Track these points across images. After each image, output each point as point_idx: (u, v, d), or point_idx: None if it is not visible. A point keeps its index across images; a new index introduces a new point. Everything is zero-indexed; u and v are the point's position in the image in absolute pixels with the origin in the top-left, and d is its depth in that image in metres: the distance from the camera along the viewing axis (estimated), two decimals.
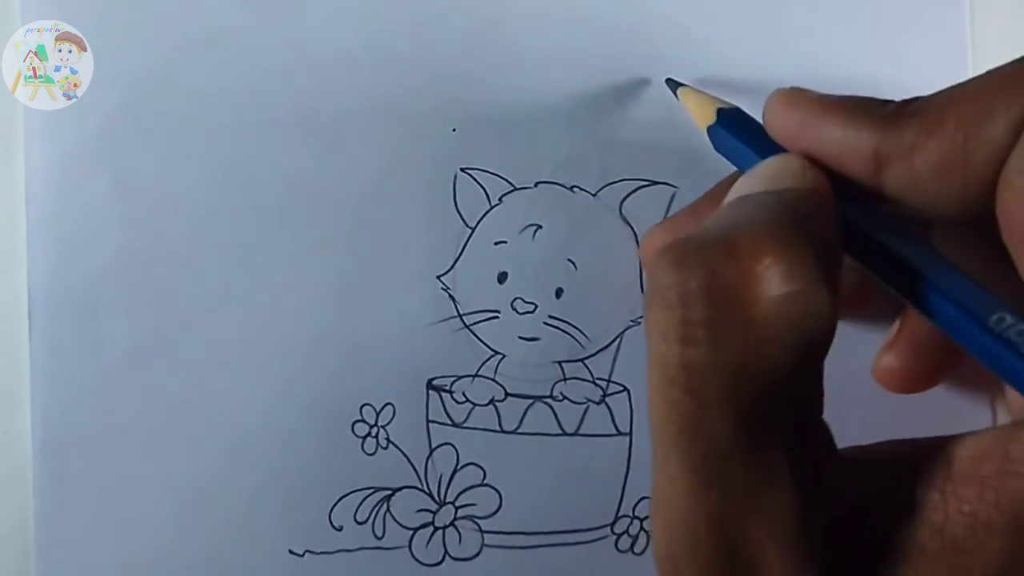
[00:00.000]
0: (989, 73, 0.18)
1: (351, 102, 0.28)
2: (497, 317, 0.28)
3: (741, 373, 0.16)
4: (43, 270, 0.27)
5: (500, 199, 0.28)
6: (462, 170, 0.28)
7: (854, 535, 0.17)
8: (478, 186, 0.28)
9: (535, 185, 0.28)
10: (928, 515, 0.16)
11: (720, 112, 0.24)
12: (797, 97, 0.21)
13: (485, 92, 0.28)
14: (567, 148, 0.28)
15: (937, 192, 0.18)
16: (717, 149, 0.24)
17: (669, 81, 0.27)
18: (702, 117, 0.24)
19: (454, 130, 0.28)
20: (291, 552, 0.27)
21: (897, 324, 0.24)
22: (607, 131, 0.28)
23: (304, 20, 0.27)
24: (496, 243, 0.28)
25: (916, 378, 0.24)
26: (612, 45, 0.28)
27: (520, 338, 0.28)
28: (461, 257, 0.28)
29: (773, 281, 0.16)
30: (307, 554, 0.27)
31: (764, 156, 0.21)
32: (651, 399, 0.17)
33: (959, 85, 0.18)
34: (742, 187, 0.20)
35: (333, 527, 0.27)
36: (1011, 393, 0.20)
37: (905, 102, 0.19)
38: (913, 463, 0.17)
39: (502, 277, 0.28)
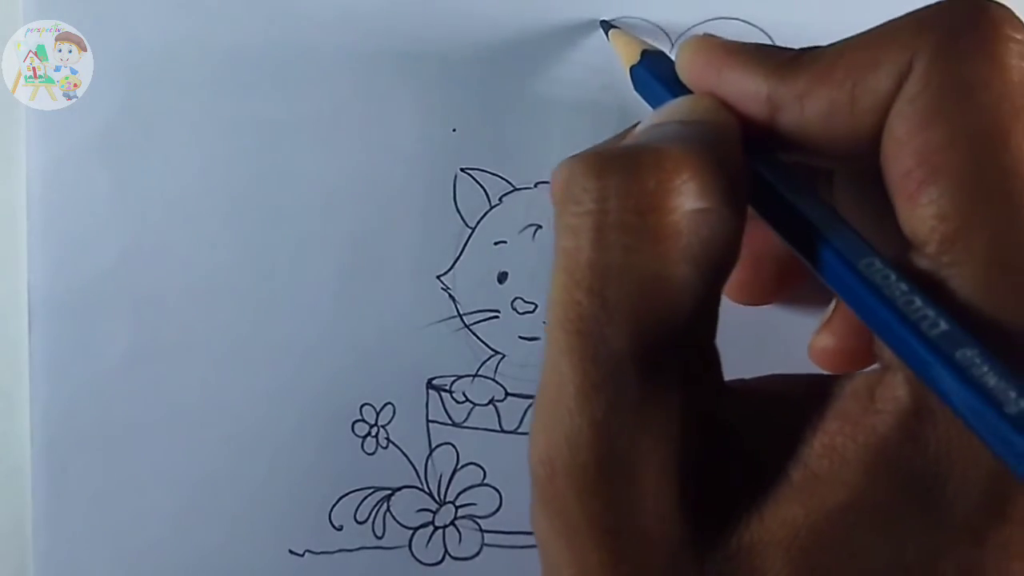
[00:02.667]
0: (882, 25, 0.18)
1: (351, 102, 0.28)
2: (497, 317, 0.28)
3: (648, 282, 0.16)
4: (43, 270, 0.27)
5: (500, 199, 0.28)
6: (462, 170, 0.28)
7: (728, 461, 0.17)
8: (478, 186, 0.28)
9: (535, 185, 0.28)
10: (797, 447, 0.17)
11: (644, 54, 0.24)
12: (706, 43, 0.21)
13: (485, 92, 0.28)
14: (567, 148, 0.28)
15: (826, 138, 0.18)
16: (636, 89, 0.24)
17: (603, 23, 0.27)
18: (627, 57, 0.24)
19: (454, 130, 0.28)
20: (291, 552, 0.27)
21: (832, 304, 0.24)
22: (607, 131, 0.28)
23: (304, 20, 0.28)
24: (496, 243, 0.28)
25: (852, 357, 0.24)
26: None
27: (520, 338, 0.28)
28: (461, 257, 0.28)
29: (689, 195, 0.16)
30: (307, 554, 0.27)
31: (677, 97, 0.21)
32: (552, 298, 0.17)
33: (852, 36, 0.19)
34: (655, 118, 0.20)
35: (333, 527, 0.27)
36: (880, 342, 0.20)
37: (801, 50, 0.19)
38: (791, 397, 0.18)
39: (502, 277, 0.28)
